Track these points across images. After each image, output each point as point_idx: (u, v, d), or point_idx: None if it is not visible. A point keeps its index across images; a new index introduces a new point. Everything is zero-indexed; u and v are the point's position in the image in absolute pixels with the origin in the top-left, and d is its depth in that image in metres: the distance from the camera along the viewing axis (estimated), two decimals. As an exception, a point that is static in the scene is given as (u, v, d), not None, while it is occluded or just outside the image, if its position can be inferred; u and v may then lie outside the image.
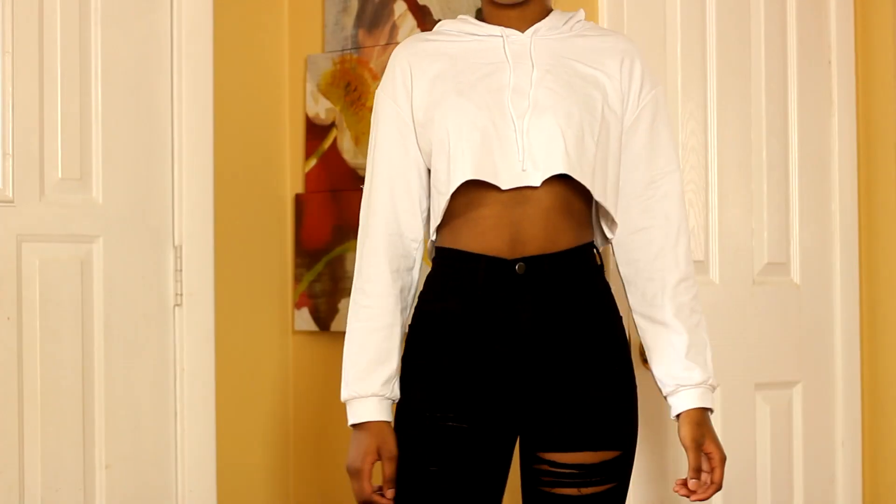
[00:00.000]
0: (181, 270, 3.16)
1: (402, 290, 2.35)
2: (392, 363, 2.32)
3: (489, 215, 2.28)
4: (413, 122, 2.34)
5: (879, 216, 3.34)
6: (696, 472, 2.32)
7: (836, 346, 3.32)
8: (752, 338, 3.18)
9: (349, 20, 3.28)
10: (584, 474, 2.30)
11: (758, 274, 3.21)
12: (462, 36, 2.37)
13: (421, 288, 2.39)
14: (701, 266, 3.11)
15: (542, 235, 2.30)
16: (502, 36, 2.34)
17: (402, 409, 2.33)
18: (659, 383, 2.38)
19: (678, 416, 2.36)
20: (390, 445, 2.29)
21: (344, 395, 2.32)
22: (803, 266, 3.28)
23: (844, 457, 3.32)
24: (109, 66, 3.09)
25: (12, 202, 2.97)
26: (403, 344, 2.38)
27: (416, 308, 2.37)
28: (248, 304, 3.32)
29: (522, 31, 2.35)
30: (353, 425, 2.31)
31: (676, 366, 2.35)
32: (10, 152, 2.96)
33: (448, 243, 2.33)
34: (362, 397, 2.30)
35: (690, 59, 3.09)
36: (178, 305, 3.17)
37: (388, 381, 2.31)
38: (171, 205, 3.17)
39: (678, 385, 2.35)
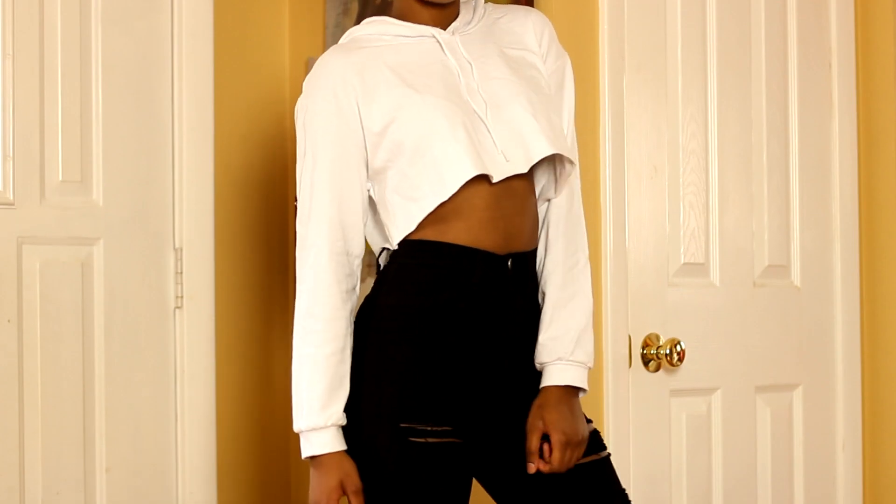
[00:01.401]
0: (181, 273, 3.16)
1: (350, 312, 2.27)
2: (345, 389, 2.24)
3: (481, 207, 2.24)
4: (364, 135, 2.25)
5: (880, 219, 3.34)
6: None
7: (837, 349, 3.32)
8: (752, 340, 3.18)
9: (350, 22, 3.28)
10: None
11: (758, 276, 3.21)
12: (391, 39, 2.31)
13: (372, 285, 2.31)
14: (701, 268, 3.11)
15: (528, 231, 2.30)
16: (434, 36, 2.30)
17: (370, 416, 2.24)
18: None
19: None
20: (354, 478, 2.22)
21: (300, 426, 2.24)
22: (804, 268, 3.28)
23: (845, 460, 3.31)
24: (110, 69, 3.09)
25: (13, 204, 2.97)
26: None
27: (381, 304, 2.27)
28: (249, 306, 3.32)
29: (444, 30, 2.32)
30: (310, 457, 2.23)
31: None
32: (11, 154, 2.96)
33: (432, 236, 2.24)
34: (321, 428, 2.22)
35: (691, 62, 3.10)
36: (178, 308, 3.17)
37: (342, 409, 2.24)
38: (172, 207, 3.17)
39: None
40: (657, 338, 2.99)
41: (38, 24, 3.00)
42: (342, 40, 2.36)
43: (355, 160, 2.26)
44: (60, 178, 3.03)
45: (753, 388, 3.19)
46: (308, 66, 3.34)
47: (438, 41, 2.30)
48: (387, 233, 2.29)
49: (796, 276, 3.28)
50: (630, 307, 2.95)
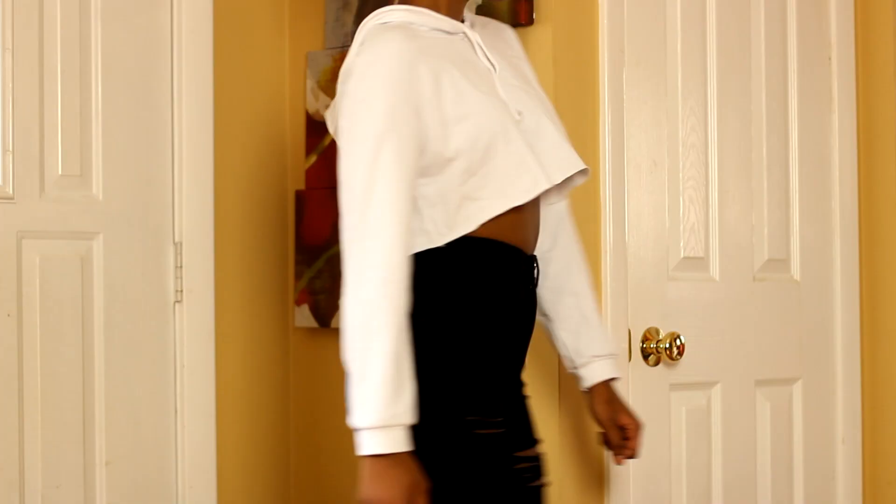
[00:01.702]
0: (181, 267, 3.16)
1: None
2: (412, 386, 2.09)
3: (522, 210, 2.23)
4: (432, 125, 2.12)
5: (880, 213, 3.34)
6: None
7: (837, 343, 3.32)
8: (752, 335, 3.19)
9: (349, 17, 3.28)
10: (539, 465, 2.34)
11: (758, 270, 3.21)
12: (434, 32, 2.22)
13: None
14: (701, 263, 3.11)
15: (539, 234, 2.36)
16: (465, 32, 2.24)
17: (435, 410, 2.16)
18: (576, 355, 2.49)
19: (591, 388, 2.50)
20: (424, 478, 2.09)
21: (371, 421, 2.04)
22: (803, 263, 3.29)
23: (845, 453, 3.32)
24: (110, 63, 3.09)
25: (12, 199, 2.97)
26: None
27: (439, 301, 2.18)
28: (249, 300, 3.32)
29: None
30: (377, 455, 2.05)
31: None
32: (11, 149, 2.96)
33: (487, 234, 2.19)
34: (392, 426, 2.05)
35: (690, 57, 3.09)
36: (178, 302, 3.17)
37: (410, 406, 2.08)
38: (172, 201, 3.17)
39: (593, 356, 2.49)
40: (657, 332, 2.99)
41: (38, 17, 3.00)
42: (378, 20, 2.20)
43: (418, 155, 2.13)
44: (60, 172, 3.03)
45: (753, 382, 3.19)
46: (308, 62, 3.34)
47: (470, 40, 2.24)
48: (431, 227, 2.18)
49: (796, 270, 3.28)
50: (630, 301, 2.96)
